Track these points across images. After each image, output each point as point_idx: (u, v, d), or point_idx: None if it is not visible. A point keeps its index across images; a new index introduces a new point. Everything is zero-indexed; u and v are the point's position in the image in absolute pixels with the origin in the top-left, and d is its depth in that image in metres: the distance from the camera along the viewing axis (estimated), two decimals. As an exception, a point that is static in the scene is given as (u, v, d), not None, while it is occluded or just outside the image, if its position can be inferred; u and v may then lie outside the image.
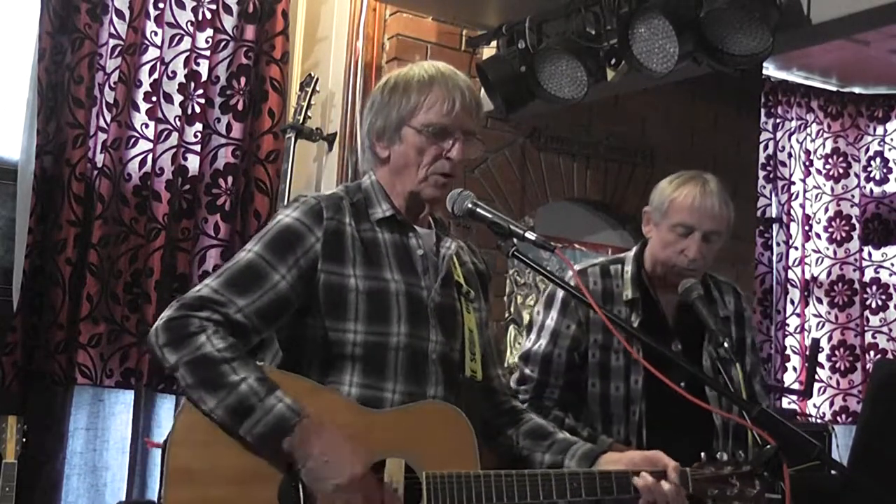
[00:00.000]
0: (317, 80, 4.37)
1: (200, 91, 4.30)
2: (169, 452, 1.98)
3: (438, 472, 2.03)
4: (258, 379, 1.99)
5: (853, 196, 6.34)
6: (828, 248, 6.31)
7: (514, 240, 2.14)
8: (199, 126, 4.30)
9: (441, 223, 2.32)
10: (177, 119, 4.26)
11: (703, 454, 2.17)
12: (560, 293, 2.94)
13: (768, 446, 1.94)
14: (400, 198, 2.23)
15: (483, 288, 2.37)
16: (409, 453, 2.04)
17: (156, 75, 4.22)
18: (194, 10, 4.32)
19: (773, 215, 6.20)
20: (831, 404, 6.17)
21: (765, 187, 6.13)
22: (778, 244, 6.19)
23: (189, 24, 4.31)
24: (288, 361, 2.16)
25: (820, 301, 6.27)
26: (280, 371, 2.11)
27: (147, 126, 4.21)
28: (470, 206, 2.18)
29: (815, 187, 6.32)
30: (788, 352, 6.16)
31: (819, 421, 5.98)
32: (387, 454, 2.04)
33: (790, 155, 6.25)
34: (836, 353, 6.22)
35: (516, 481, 2.06)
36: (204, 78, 4.32)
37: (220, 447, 1.99)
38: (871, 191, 6.40)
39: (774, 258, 6.18)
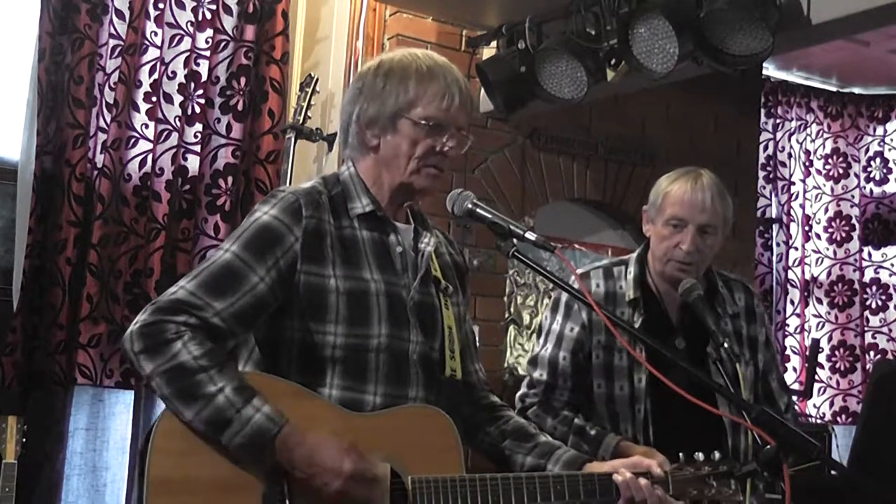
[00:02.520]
0: (317, 80, 4.37)
1: (200, 91, 4.30)
2: (148, 461, 1.94)
3: (424, 477, 2.02)
4: (235, 388, 1.95)
5: (853, 196, 6.34)
6: (828, 249, 6.31)
7: (514, 240, 2.13)
8: (199, 126, 4.29)
9: (420, 216, 2.28)
10: (177, 119, 4.26)
11: (680, 455, 2.18)
12: (564, 297, 2.95)
13: (768, 446, 1.94)
14: (384, 189, 2.18)
15: (461, 280, 2.34)
16: (394, 457, 2.03)
17: (156, 75, 4.22)
18: (194, 11, 4.32)
19: (773, 216, 6.20)
20: (831, 404, 6.17)
21: (765, 187, 6.13)
22: (778, 244, 6.20)
23: (189, 24, 4.31)
24: (266, 362, 2.12)
25: (820, 301, 6.27)
26: (262, 374, 2.07)
27: (147, 126, 4.20)
28: (470, 206, 2.17)
29: (814, 187, 6.32)
30: (788, 352, 6.16)
31: (819, 421, 5.98)
32: (372, 458, 2.01)
33: (790, 155, 6.25)
34: (836, 353, 6.22)
35: (501, 484, 2.05)
36: (204, 78, 4.31)
37: (200, 455, 1.96)
38: (871, 191, 6.40)
39: (774, 258, 6.18)
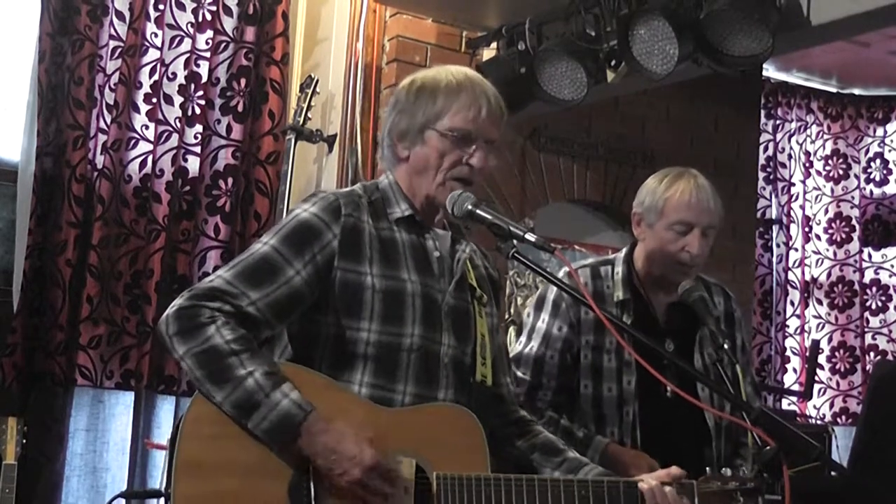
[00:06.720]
0: (317, 81, 4.37)
1: (200, 92, 4.30)
2: (178, 445, 1.98)
3: (449, 474, 2.04)
4: (266, 373, 1.98)
5: (853, 197, 6.33)
6: (828, 250, 6.30)
7: (514, 241, 2.14)
8: (199, 127, 4.29)
9: (457, 226, 2.32)
10: (177, 120, 4.26)
11: (707, 469, 2.19)
12: (551, 295, 2.92)
13: (768, 447, 1.94)
14: (418, 199, 2.23)
15: (494, 294, 2.37)
16: (420, 453, 2.05)
17: (156, 77, 4.22)
18: (194, 12, 4.32)
19: (773, 217, 6.20)
20: (831, 405, 6.17)
21: (765, 189, 6.13)
22: (778, 245, 6.19)
23: (189, 25, 4.31)
24: (297, 357, 2.15)
25: (820, 302, 6.27)
26: (294, 365, 2.10)
27: (147, 127, 4.21)
28: (470, 207, 2.17)
29: (815, 189, 6.32)
30: (788, 353, 6.16)
31: (819, 422, 5.98)
32: (398, 454, 2.04)
33: (790, 156, 6.25)
34: (836, 354, 6.21)
35: (526, 485, 2.08)
36: (204, 79, 4.32)
37: (229, 440, 1.99)
38: (871, 192, 6.39)
39: (774, 259, 6.18)
